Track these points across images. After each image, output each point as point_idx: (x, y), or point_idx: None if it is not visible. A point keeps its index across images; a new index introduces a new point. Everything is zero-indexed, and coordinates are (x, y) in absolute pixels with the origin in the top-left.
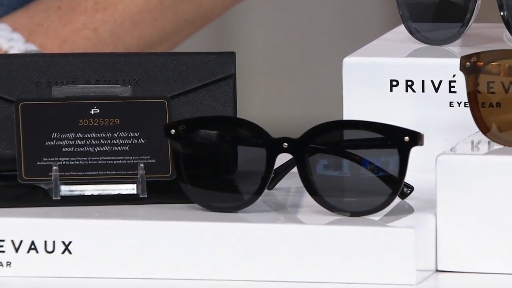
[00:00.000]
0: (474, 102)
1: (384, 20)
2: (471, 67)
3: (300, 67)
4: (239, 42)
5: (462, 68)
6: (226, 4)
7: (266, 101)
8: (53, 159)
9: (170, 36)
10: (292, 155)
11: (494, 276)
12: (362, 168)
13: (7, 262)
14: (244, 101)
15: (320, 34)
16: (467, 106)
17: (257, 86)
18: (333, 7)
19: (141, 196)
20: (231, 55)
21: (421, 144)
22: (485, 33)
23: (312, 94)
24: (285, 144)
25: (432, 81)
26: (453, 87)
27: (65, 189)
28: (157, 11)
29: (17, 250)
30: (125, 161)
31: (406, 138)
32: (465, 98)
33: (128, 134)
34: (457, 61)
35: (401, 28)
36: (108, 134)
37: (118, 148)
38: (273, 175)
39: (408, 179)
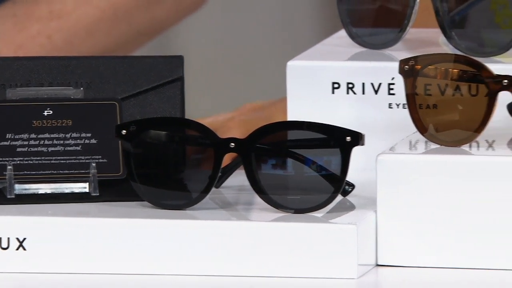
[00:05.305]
0: (412, 103)
1: (326, 25)
2: (410, 70)
3: (244, 71)
4: (184, 46)
5: (401, 71)
6: (178, 15)
7: (213, 103)
8: (7, 158)
9: (124, 46)
10: (239, 154)
11: (430, 270)
12: (305, 167)
13: None
14: (192, 102)
15: (264, 38)
16: (406, 108)
17: (204, 88)
18: (277, 12)
19: (93, 194)
20: (179, 58)
21: (362, 144)
22: (422, 38)
23: (257, 96)
24: (232, 144)
25: (372, 84)
26: (392, 89)
27: (20, 188)
28: (112, 22)
29: None
30: (78, 161)
31: (348, 138)
32: (403, 100)
33: (80, 135)
34: (396, 65)
35: (342, 33)
36: (61, 135)
37: (71, 148)
38: (220, 173)
39: (349, 177)
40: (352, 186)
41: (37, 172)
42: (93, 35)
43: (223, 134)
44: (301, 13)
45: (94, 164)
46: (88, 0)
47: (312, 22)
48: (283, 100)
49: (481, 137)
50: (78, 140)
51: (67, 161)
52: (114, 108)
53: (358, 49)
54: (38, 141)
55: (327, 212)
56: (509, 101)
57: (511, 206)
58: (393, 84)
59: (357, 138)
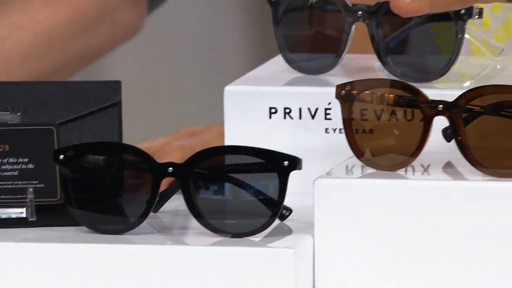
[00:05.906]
0: (349, 128)
1: (263, 50)
2: (346, 95)
3: (180, 96)
4: (119, 70)
5: (338, 96)
6: (113, 42)
7: (148, 128)
8: None
9: (59, 71)
10: (177, 179)
11: None
12: (243, 191)
13: None
14: (128, 127)
15: (200, 63)
16: (342, 132)
17: (139, 113)
18: (213, 37)
19: (30, 219)
20: (117, 83)
21: (300, 169)
22: (359, 63)
23: (193, 121)
24: (170, 168)
25: (308, 109)
26: (329, 114)
27: None
28: (46, 47)
29: None
30: (15, 186)
31: (286, 162)
32: (340, 125)
33: (17, 160)
34: (332, 90)
35: (279, 58)
36: None
37: (8, 173)
38: (158, 198)
39: (287, 201)
40: (289, 210)
41: None
42: (27, 60)
43: (160, 159)
44: (238, 37)
45: (31, 189)
46: (21, 26)
47: (249, 47)
48: (219, 125)
49: (416, 162)
50: (15, 165)
51: (4, 186)
52: (51, 133)
53: (295, 74)
54: None
55: (265, 236)
56: (444, 126)
57: (446, 229)
58: (329, 109)
59: (295, 163)
